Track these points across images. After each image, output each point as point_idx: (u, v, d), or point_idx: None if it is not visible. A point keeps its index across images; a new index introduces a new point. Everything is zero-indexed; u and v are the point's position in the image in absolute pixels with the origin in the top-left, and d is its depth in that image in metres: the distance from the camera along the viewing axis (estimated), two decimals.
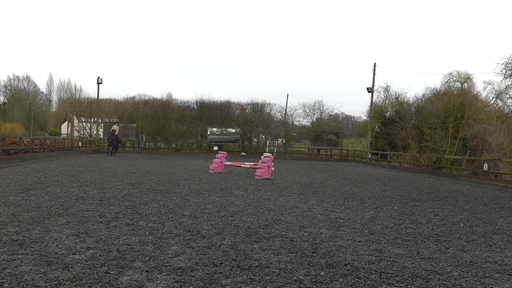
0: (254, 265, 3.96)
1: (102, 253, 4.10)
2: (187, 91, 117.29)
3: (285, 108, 39.17)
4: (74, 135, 36.65)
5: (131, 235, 4.91)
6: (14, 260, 3.79)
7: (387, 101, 35.63)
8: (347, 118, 55.44)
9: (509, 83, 31.52)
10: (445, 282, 3.74)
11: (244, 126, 35.11)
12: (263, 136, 36.80)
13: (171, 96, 43.29)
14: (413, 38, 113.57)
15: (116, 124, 24.93)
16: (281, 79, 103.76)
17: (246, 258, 4.18)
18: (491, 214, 8.06)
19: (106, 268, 3.66)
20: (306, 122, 40.01)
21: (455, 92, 32.08)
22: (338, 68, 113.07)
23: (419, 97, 34.32)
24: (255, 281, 3.53)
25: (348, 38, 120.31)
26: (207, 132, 34.06)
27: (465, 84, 34.24)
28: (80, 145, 29.35)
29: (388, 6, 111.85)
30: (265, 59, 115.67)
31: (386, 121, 33.49)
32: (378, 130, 34.15)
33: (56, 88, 70.41)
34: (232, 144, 34.35)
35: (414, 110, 33.27)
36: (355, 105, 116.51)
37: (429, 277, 3.87)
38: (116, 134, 23.91)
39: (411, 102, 34.42)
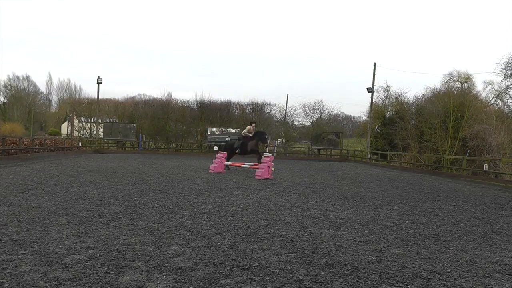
0: (254, 265, 3.96)
1: (102, 253, 4.10)
2: (187, 91, 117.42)
3: (285, 108, 39.17)
4: (74, 135, 36.68)
5: (131, 235, 4.91)
6: (14, 260, 3.79)
7: (387, 101, 35.64)
8: (347, 118, 55.54)
9: (509, 83, 31.52)
10: (445, 282, 3.74)
11: (244, 126, 35.05)
12: None
13: (171, 96, 43.42)
14: (413, 38, 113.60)
15: (253, 124, 16.96)
16: (281, 79, 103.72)
17: (246, 258, 4.18)
18: (491, 214, 8.06)
19: (106, 268, 3.66)
20: (306, 122, 40.04)
21: (455, 92, 32.06)
22: (338, 68, 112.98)
23: (419, 97, 34.34)
24: (255, 281, 3.53)
25: (348, 38, 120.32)
26: (207, 132, 34.04)
27: (465, 84, 34.23)
28: (80, 145, 29.35)
29: (388, 6, 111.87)
30: (265, 59, 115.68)
31: (386, 121, 33.48)
32: (378, 130, 34.13)
33: (55, 88, 70.46)
34: None
35: (414, 110, 33.26)
36: (355, 105, 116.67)
37: (429, 277, 3.87)
38: (252, 136, 16.02)
39: (411, 102, 34.43)
